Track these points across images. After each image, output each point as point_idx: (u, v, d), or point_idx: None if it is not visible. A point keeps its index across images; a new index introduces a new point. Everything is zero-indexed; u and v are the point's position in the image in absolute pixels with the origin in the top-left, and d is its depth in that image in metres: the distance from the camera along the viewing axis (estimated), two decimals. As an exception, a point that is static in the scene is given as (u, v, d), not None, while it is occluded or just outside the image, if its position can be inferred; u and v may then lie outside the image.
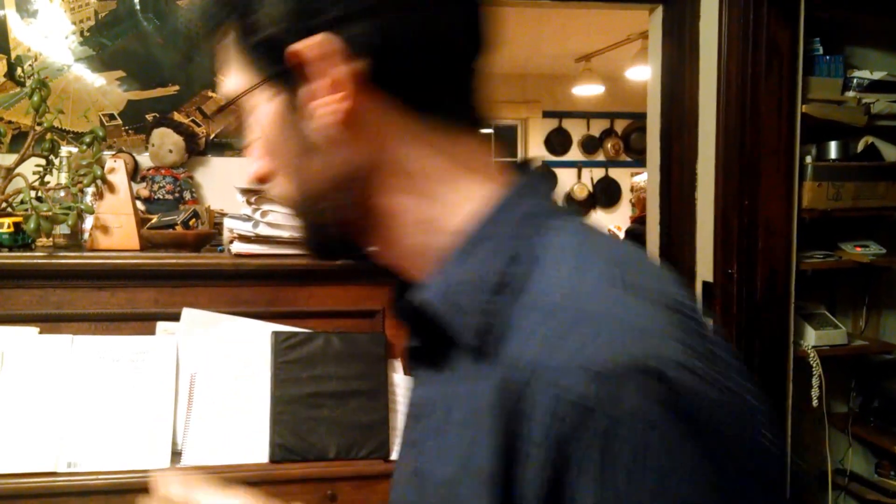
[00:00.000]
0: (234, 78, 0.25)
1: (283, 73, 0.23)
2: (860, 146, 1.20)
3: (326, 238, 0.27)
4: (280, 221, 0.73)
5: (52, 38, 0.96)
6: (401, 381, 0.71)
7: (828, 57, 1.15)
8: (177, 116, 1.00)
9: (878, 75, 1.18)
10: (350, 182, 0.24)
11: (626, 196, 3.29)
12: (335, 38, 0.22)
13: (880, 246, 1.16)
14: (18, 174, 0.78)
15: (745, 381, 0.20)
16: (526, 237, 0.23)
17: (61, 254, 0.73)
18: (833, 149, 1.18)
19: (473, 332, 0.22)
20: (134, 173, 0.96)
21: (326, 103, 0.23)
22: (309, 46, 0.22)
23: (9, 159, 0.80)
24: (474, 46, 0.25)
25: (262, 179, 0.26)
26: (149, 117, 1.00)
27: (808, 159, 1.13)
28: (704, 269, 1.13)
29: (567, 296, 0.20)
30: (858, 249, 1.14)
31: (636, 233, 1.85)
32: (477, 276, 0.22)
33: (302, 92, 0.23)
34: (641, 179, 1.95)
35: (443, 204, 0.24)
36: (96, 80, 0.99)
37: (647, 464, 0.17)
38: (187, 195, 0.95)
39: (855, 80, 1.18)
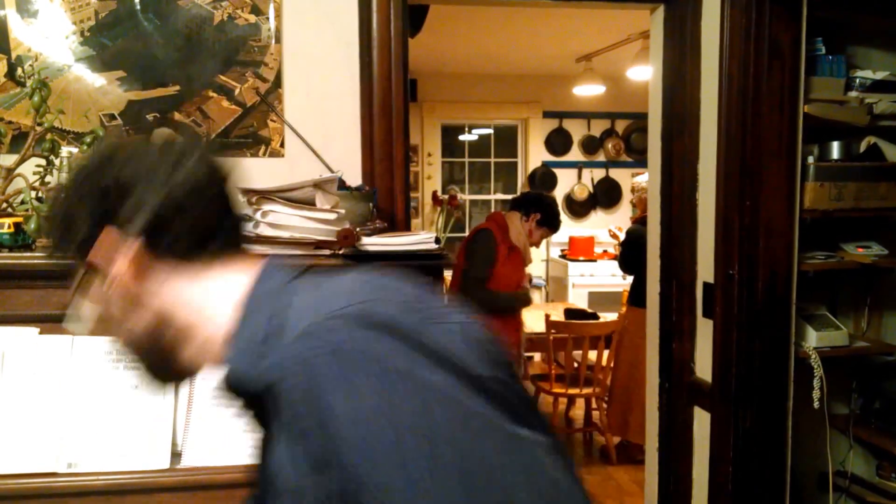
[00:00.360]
0: (76, 272, 0.36)
1: (93, 265, 0.34)
2: (862, 146, 1.20)
3: (161, 372, 0.37)
4: (281, 222, 0.73)
5: (52, 39, 0.96)
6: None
7: (830, 57, 1.15)
8: (177, 116, 1.00)
9: (880, 75, 1.18)
10: (157, 327, 0.35)
11: (627, 197, 3.28)
12: (115, 230, 0.34)
13: (882, 247, 1.16)
14: (19, 174, 0.78)
15: (432, 308, 0.30)
16: (276, 301, 0.32)
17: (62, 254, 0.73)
18: (835, 149, 1.18)
19: (257, 378, 0.30)
20: (134, 173, 0.95)
21: (122, 277, 0.34)
22: (101, 242, 0.34)
23: (9, 160, 0.80)
24: (221, 205, 0.35)
25: (107, 335, 0.37)
26: (149, 117, 0.99)
27: (810, 159, 1.12)
28: (705, 269, 1.12)
29: (296, 318, 0.30)
30: (860, 250, 1.13)
31: (637, 233, 1.84)
32: (249, 339, 0.32)
33: (109, 272, 0.34)
34: (643, 180, 1.95)
35: (218, 312, 0.34)
36: (97, 80, 0.98)
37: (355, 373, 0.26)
38: (188, 195, 0.94)
39: (857, 80, 1.18)
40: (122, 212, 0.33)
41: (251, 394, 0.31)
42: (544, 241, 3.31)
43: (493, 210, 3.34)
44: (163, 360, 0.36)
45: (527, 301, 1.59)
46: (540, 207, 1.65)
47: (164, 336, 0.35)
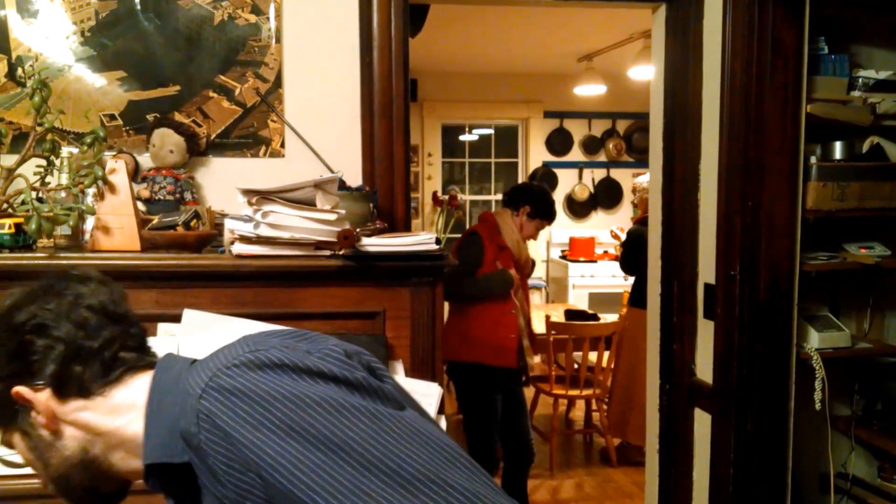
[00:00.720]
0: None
1: (14, 417, 0.39)
2: (865, 146, 1.19)
3: (94, 497, 0.40)
4: (281, 222, 0.73)
5: (52, 39, 0.96)
6: (402, 383, 0.71)
7: (833, 56, 1.14)
8: (178, 117, 1.00)
9: (883, 74, 1.17)
10: (81, 454, 0.39)
11: (628, 197, 3.27)
12: (24, 388, 0.38)
13: (885, 247, 1.15)
14: (19, 175, 0.78)
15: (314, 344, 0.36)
16: (178, 387, 0.36)
17: (62, 255, 0.73)
18: (838, 149, 1.17)
19: (183, 455, 0.34)
20: (135, 174, 0.96)
21: (39, 422, 0.38)
22: (17, 395, 0.38)
23: (10, 160, 0.80)
24: (122, 332, 0.39)
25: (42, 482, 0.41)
26: (149, 118, 0.99)
27: (813, 159, 1.12)
28: (706, 270, 1.12)
29: (190, 392, 0.34)
30: (863, 251, 1.13)
31: (638, 234, 1.81)
32: (163, 426, 0.36)
33: (28, 421, 0.39)
34: (644, 180, 1.94)
35: (130, 423, 0.38)
36: (97, 80, 0.98)
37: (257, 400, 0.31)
38: (188, 196, 0.95)
39: (860, 80, 1.17)
40: (33, 365, 0.37)
41: (176, 473, 0.35)
42: (545, 242, 3.35)
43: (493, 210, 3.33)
44: (94, 479, 0.39)
45: (506, 280, 1.45)
46: (529, 199, 1.53)
47: (90, 456, 0.39)
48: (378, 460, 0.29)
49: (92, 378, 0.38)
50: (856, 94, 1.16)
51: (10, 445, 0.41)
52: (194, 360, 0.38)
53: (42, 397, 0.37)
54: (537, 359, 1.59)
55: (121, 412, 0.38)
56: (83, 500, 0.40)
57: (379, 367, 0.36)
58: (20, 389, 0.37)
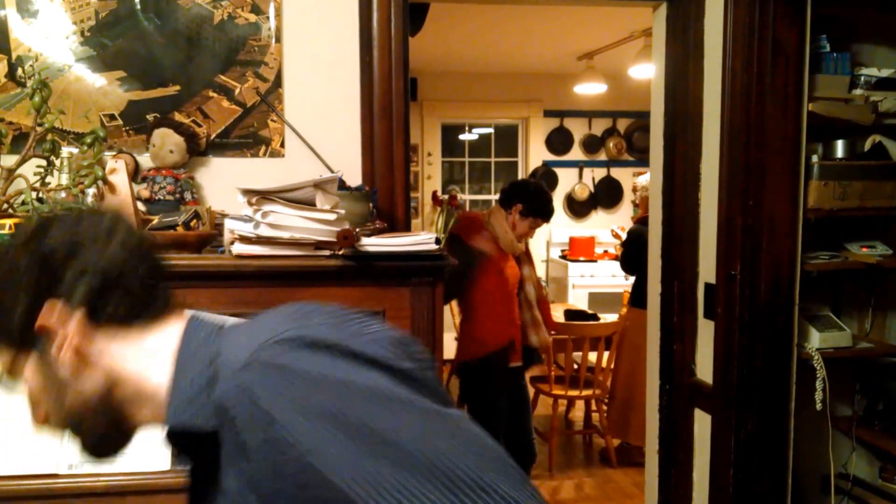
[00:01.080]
0: (2, 358, 0.37)
1: (31, 342, 0.35)
2: (867, 145, 1.19)
3: (104, 441, 0.38)
4: (281, 222, 0.73)
5: (52, 39, 0.96)
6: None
7: (834, 54, 1.14)
8: (178, 116, 1.00)
9: (885, 73, 1.16)
10: (103, 395, 0.36)
11: (629, 196, 3.26)
12: (57, 304, 0.34)
13: (887, 246, 1.15)
14: (20, 175, 0.78)
15: (352, 324, 0.33)
16: (208, 349, 0.34)
17: (62, 255, 0.72)
18: (840, 148, 1.17)
19: (210, 418, 0.32)
20: (135, 174, 0.96)
21: (66, 350, 0.35)
22: (43, 317, 0.34)
23: (10, 160, 0.80)
24: (152, 273, 0.37)
25: (43, 422, 0.38)
26: (149, 117, 0.99)
27: (815, 158, 1.11)
28: (707, 270, 1.11)
29: (230, 352, 0.32)
30: (865, 250, 1.12)
31: (638, 233, 1.80)
32: (191, 388, 0.33)
33: (50, 348, 0.35)
34: (645, 179, 1.93)
35: (157, 370, 0.35)
36: (97, 80, 0.98)
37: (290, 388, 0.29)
38: (188, 196, 0.95)
39: (862, 78, 1.17)
40: (64, 284, 0.34)
41: (198, 438, 0.33)
42: (544, 241, 3.33)
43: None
44: (109, 425, 0.37)
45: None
46: (521, 197, 1.45)
47: (110, 399, 0.36)
48: (427, 459, 0.27)
49: (126, 310, 0.35)
50: (857, 92, 1.15)
51: (15, 377, 0.36)
52: (221, 325, 0.36)
53: (71, 321, 0.34)
54: (546, 338, 1.51)
55: (149, 356, 0.35)
56: (94, 445, 0.37)
57: (424, 359, 0.34)
58: (50, 308, 0.34)
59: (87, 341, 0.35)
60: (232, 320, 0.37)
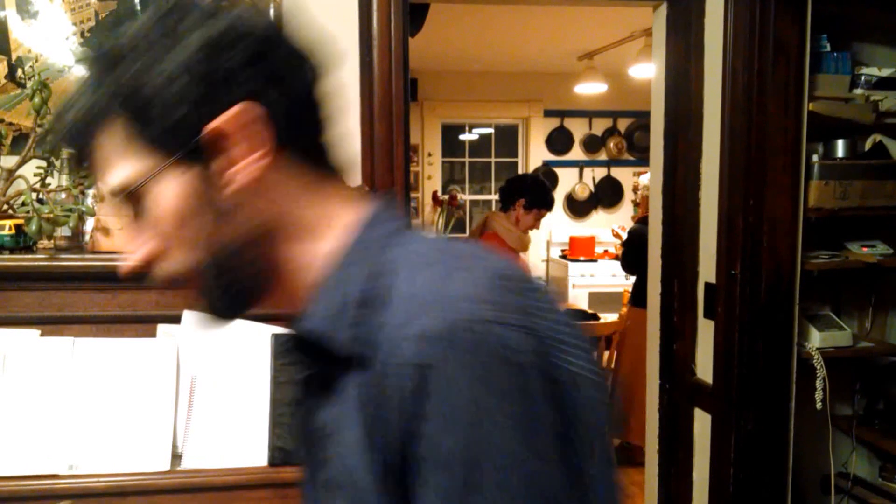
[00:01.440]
0: (125, 167, 0.27)
1: (194, 149, 0.26)
2: (868, 144, 1.19)
3: (234, 298, 0.30)
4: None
5: (52, 40, 0.96)
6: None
7: (835, 54, 1.14)
8: (177, 117, 1.00)
9: (886, 72, 1.16)
10: (259, 238, 0.28)
11: (629, 196, 3.26)
12: (254, 106, 0.26)
13: (888, 246, 1.14)
14: (20, 176, 0.78)
15: (559, 324, 0.26)
16: (380, 257, 0.27)
17: (62, 256, 0.73)
18: (840, 147, 1.17)
19: (348, 344, 0.26)
20: (135, 174, 0.95)
21: (244, 167, 0.26)
22: (228, 119, 0.26)
23: (10, 161, 0.80)
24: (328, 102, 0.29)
25: (152, 260, 0.29)
26: (149, 118, 0.99)
27: (815, 158, 1.11)
28: (707, 270, 1.11)
29: (411, 294, 0.25)
30: (865, 249, 1.12)
31: (639, 233, 1.80)
32: (344, 296, 0.27)
33: (217, 162, 0.26)
34: (646, 179, 1.93)
35: (320, 243, 0.28)
36: (97, 81, 0.98)
37: (465, 393, 0.23)
38: (188, 196, 0.94)
39: (863, 78, 1.16)
40: (249, 85, 0.26)
41: (330, 355, 0.27)
42: (545, 241, 3.33)
43: (493, 210, 3.32)
44: (243, 281, 0.28)
45: None
46: (522, 191, 1.50)
47: (259, 248, 0.28)
48: None
49: (317, 145, 0.28)
50: (858, 91, 1.15)
51: (131, 189, 0.26)
52: (399, 228, 0.28)
53: (257, 135, 0.26)
54: None
55: (324, 218, 0.28)
56: (216, 296, 0.29)
57: (597, 363, 0.27)
58: (241, 112, 0.25)
59: (268, 166, 0.26)
60: (407, 228, 0.28)
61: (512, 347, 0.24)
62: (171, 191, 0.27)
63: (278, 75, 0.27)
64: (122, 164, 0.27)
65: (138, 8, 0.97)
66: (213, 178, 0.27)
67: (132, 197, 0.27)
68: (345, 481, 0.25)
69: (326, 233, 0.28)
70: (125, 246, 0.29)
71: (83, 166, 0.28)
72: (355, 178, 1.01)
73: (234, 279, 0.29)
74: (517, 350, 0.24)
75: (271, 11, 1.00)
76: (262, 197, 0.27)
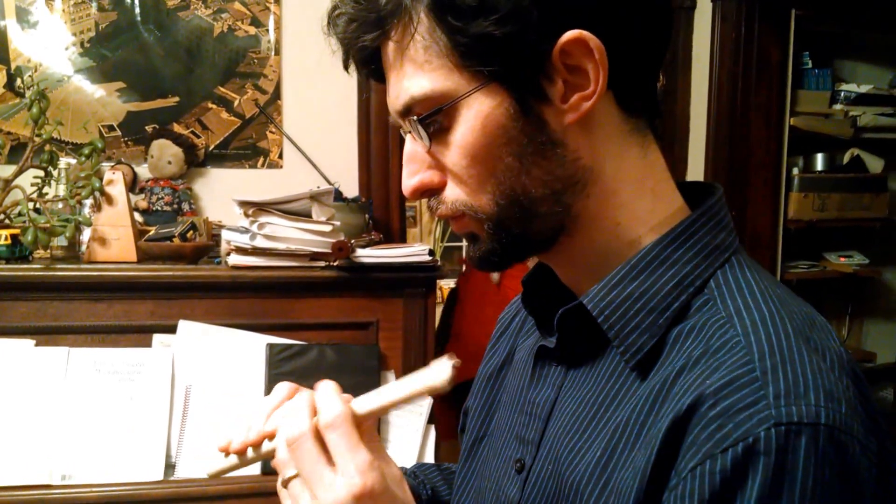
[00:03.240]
0: (428, 80, 0.22)
1: (520, 72, 0.22)
2: (846, 158, 1.23)
3: (517, 247, 0.25)
4: (278, 234, 0.74)
5: (52, 49, 0.97)
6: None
7: (816, 70, 1.18)
8: (176, 128, 1.00)
9: (864, 88, 1.21)
10: (569, 187, 0.23)
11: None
12: (592, 37, 0.22)
13: (864, 256, 1.19)
14: (16, 186, 0.79)
15: (891, 445, 0.21)
16: (704, 269, 0.23)
17: (59, 266, 0.73)
18: (819, 161, 1.21)
19: (638, 347, 0.23)
20: (133, 184, 0.96)
21: (575, 103, 0.22)
22: (565, 44, 0.21)
23: (7, 171, 0.81)
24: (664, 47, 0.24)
25: (429, 190, 0.25)
26: (148, 128, 1.00)
27: (795, 171, 1.15)
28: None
29: (752, 340, 0.21)
30: (843, 259, 1.16)
31: None
32: (651, 295, 0.23)
33: (544, 91, 0.22)
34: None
35: (630, 212, 0.24)
36: (96, 91, 0.98)
37: None
38: (186, 206, 0.95)
39: (842, 94, 1.21)
40: (608, 18, 0.22)
41: (601, 339, 0.23)
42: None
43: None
44: (537, 232, 0.24)
45: None
46: None
47: (569, 200, 0.23)
48: None
49: (643, 84, 0.23)
50: (838, 107, 1.20)
51: (434, 110, 0.21)
52: (736, 242, 0.23)
53: (600, 70, 0.22)
54: None
55: (626, 190, 0.23)
56: (498, 242, 0.24)
57: None
58: (586, 41, 0.21)
59: (596, 107, 0.22)
60: (739, 241, 0.24)
61: (864, 465, 0.20)
62: (483, 117, 0.22)
63: (622, 9, 0.22)
64: (424, 76, 0.22)
65: (138, 19, 0.99)
66: (535, 109, 0.22)
67: (426, 119, 0.22)
68: (604, 481, 0.22)
69: (639, 205, 0.24)
70: (405, 167, 0.24)
71: (370, 68, 0.23)
72: (352, 188, 1.03)
73: (527, 229, 0.24)
74: (867, 468, 0.20)
75: (271, 24, 1.02)
76: (584, 140, 0.23)
